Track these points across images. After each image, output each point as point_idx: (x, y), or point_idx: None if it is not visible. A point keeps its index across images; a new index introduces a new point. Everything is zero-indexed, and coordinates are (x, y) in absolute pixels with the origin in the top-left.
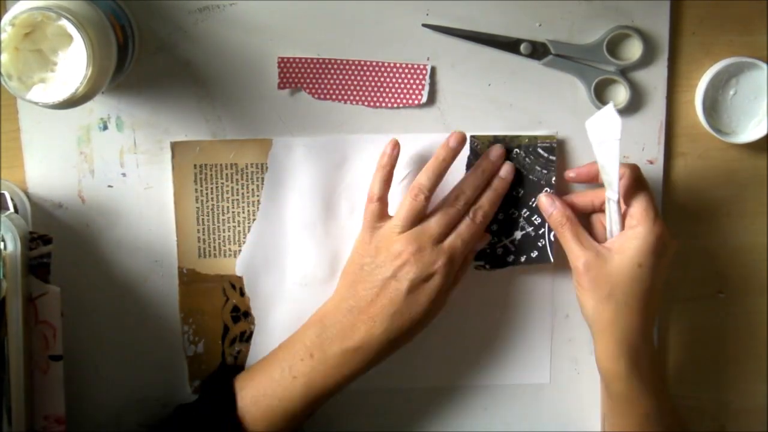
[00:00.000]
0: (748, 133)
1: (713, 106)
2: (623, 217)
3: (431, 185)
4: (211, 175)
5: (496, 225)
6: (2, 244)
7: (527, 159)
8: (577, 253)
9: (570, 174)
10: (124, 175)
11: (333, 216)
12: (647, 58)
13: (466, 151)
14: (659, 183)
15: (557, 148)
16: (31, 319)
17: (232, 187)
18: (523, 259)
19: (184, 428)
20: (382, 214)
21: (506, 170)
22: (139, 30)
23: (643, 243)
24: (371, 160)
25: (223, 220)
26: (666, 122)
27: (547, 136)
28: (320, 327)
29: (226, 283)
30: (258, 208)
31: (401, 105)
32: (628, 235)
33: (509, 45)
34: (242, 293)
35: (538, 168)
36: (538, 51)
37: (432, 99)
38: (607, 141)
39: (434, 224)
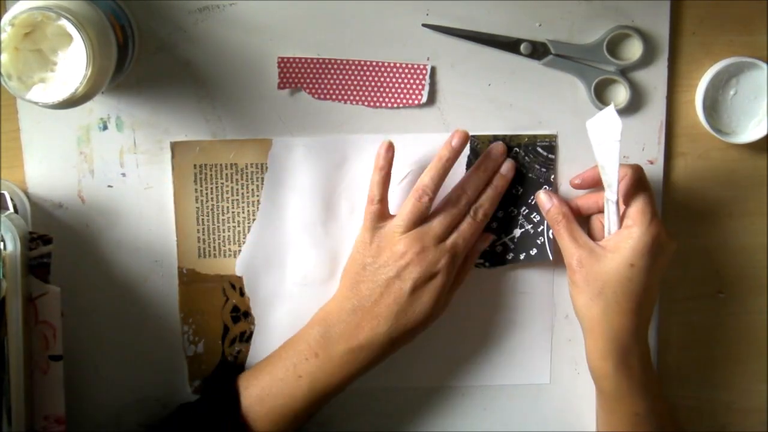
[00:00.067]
0: (748, 133)
1: (713, 106)
2: (621, 217)
3: (435, 186)
4: (211, 175)
5: (495, 223)
6: (2, 244)
7: (527, 157)
8: (571, 250)
9: (576, 181)
10: (124, 175)
11: (333, 216)
12: (647, 58)
13: (466, 151)
14: (659, 183)
15: (557, 148)
16: (31, 319)
17: (232, 187)
18: (522, 256)
19: (187, 427)
20: (383, 215)
21: (507, 168)
22: (139, 30)
23: (638, 243)
24: (371, 160)
25: (223, 220)
26: (666, 122)
27: (547, 135)
28: (324, 326)
29: (226, 283)
30: (258, 208)
31: (401, 105)
32: (623, 235)
33: (509, 45)
34: (242, 293)
35: (538, 166)
36: (538, 51)
37: (432, 99)
38: (607, 142)
39: (437, 225)
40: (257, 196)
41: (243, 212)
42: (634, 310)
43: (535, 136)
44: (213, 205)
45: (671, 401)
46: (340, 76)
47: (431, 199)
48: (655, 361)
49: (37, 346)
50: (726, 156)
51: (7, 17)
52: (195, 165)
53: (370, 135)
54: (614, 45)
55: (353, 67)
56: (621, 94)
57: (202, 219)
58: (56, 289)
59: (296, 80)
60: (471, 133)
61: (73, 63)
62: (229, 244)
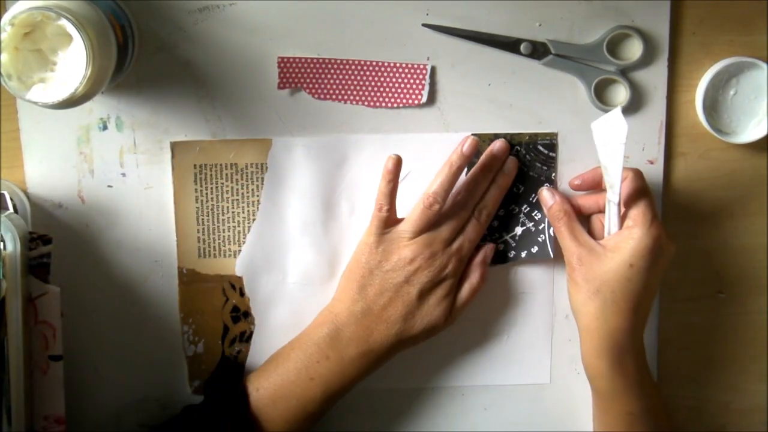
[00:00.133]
0: (749, 133)
1: (713, 106)
2: (622, 218)
3: (445, 194)
4: (211, 175)
5: (497, 221)
6: (2, 244)
7: (528, 156)
8: (571, 248)
9: (575, 182)
10: (123, 175)
11: (333, 216)
12: (647, 58)
13: None
14: (659, 183)
15: (557, 147)
16: (30, 319)
17: (232, 187)
18: (523, 254)
19: (193, 429)
20: (390, 221)
21: (510, 166)
22: (139, 30)
23: (638, 244)
24: (371, 160)
25: (223, 220)
26: (666, 122)
27: (548, 133)
28: (333, 328)
29: (226, 283)
30: (258, 208)
31: (401, 105)
32: (624, 235)
33: (509, 45)
34: (242, 293)
35: (539, 165)
36: (538, 51)
37: (432, 99)
38: (612, 144)
39: (445, 230)
40: (257, 196)
41: (243, 212)
42: (632, 310)
43: (536, 135)
44: (213, 205)
45: (671, 401)
46: (340, 76)
47: (441, 207)
48: (655, 361)
49: (36, 346)
50: (726, 156)
51: (7, 17)
52: (195, 165)
53: (370, 135)
54: (614, 45)
55: (353, 67)
56: (621, 94)
57: (202, 219)
58: (56, 289)
59: (296, 80)
60: (471, 133)
61: (73, 63)
62: (229, 244)
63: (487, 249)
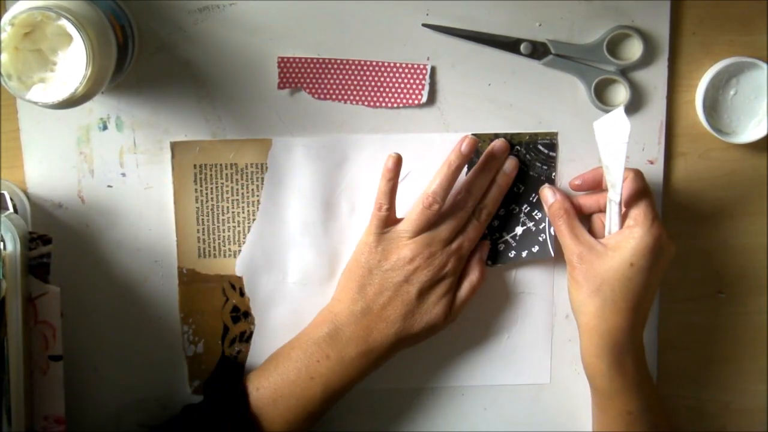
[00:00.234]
0: (749, 133)
1: (713, 106)
2: (623, 218)
3: (444, 193)
4: (211, 175)
5: (497, 221)
6: (2, 244)
7: (528, 155)
8: (571, 246)
9: (576, 182)
10: (123, 175)
11: (333, 216)
12: (647, 58)
13: None
14: (659, 183)
15: (557, 147)
16: (30, 319)
17: (232, 187)
18: (524, 254)
19: (193, 429)
20: (390, 221)
21: (510, 166)
22: (139, 30)
23: (639, 243)
24: (371, 160)
25: (223, 220)
26: (666, 122)
27: (548, 133)
28: (333, 328)
29: (226, 283)
30: (258, 208)
31: (401, 105)
32: (624, 234)
33: (509, 45)
34: (242, 293)
35: (539, 164)
36: (538, 51)
37: (432, 99)
38: (614, 143)
39: (444, 230)
40: (257, 196)
41: (243, 212)
42: (631, 309)
43: (536, 134)
44: (213, 205)
45: (671, 401)
46: (340, 76)
47: (441, 207)
48: (655, 361)
49: (36, 346)
50: (726, 156)
51: (7, 17)
52: (195, 165)
53: (370, 135)
54: (614, 45)
55: (353, 67)
56: (621, 94)
57: (202, 219)
58: (56, 289)
59: (296, 80)
60: (471, 133)
61: (73, 63)
62: (229, 244)
63: (482, 246)
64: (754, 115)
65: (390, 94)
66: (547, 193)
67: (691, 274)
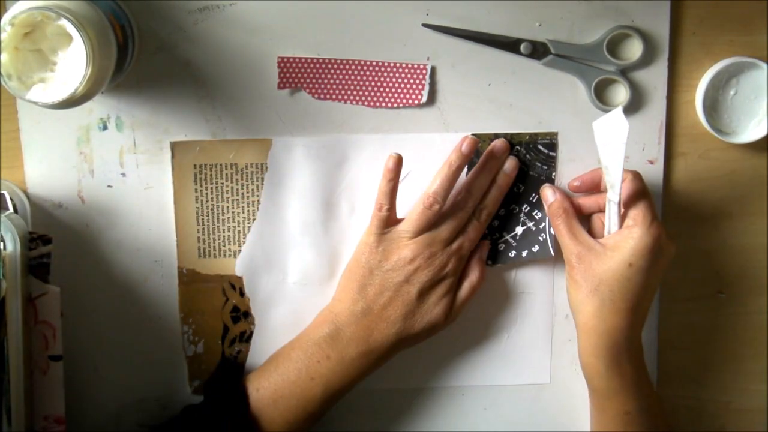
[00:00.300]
0: (749, 133)
1: (713, 106)
2: (622, 218)
3: (445, 193)
4: (211, 175)
5: (497, 221)
6: (2, 244)
7: (528, 155)
8: (570, 246)
9: (574, 183)
10: (123, 175)
11: (333, 216)
12: (647, 58)
13: None
14: (659, 183)
15: (557, 147)
16: (30, 319)
17: (232, 187)
18: (524, 253)
19: (195, 429)
20: (390, 221)
21: (510, 166)
22: (139, 30)
23: (638, 243)
24: (371, 160)
25: (223, 220)
26: (666, 122)
27: (548, 133)
28: (333, 328)
29: (226, 283)
30: (258, 208)
31: (401, 105)
32: (623, 234)
33: (509, 45)
34: (242, 293)
35: (539, 164)
36: (538, 51)
37: (432, 99)
38: (613, 143)
39: (445, 230)
40: (257, 196)
41: (243, 212)
42: (630, 309)
43: (536, 134)
44: (213, 205)
45: (671, 401)
46: (340, 76)
47: (441, 207)
48: (655, 361)
49: (36, 346)
50: (726, 156)
51: (7, 17)
52: (195, 165)
53: (370, 135)
54: (614, 45)
55: (353, 67)
56: (621, 94)
57: (202, 219)
58: (56, 289)
59: (296, 80)
60: (471, 133)
61: (73, 63)
62: (229, 244)
63: (482, 246)
64: (754, 115)
65: (390, 94)
66: (547, 193)
67: (691, 274)
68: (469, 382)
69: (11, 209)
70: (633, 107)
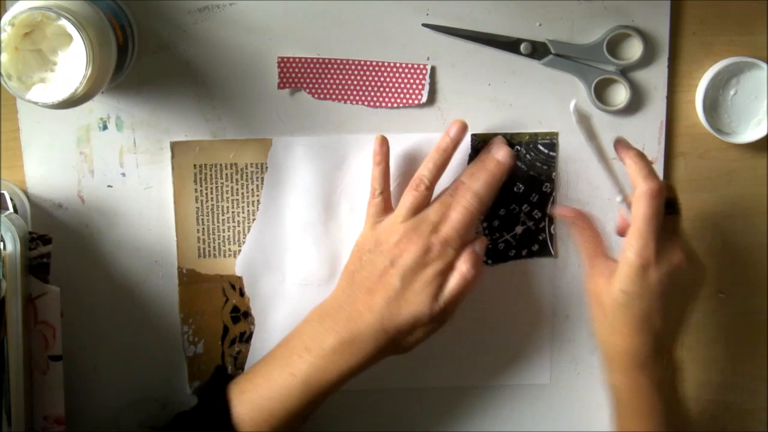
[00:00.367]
0: (749, 133)
1: (713, 106)
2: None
3: (432, 176)
4: (211, 175)
5: (497, 221)
6: (2, 244)
7: (528, 155)
8: (588, 272)
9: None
10: (123, 175)
11: (333, 216)
12: (647, 58)
13: (467, 150)
14: None
15: (557, 147)
16: (30, 319)
17: (232, 187)
18: (524, 253)
19: None
20: (385, 208)
21: (503, 154)
22: (139, 30)
23: (628, 269)
24: (371, 159)
25: (223, 220)
26: (666, 122)
27: (548, 133)
28: (317, 321)
29: (226, 284)
30: (258, 208)
31: (401, 105)
32: (620, 260)
33: (509, 45)
34: (242, 293)
35: (539, 164)
36: (538, 51)
37: (432, 99)
38: (587, 140)
39: (432, 212)
40: (257, 196)
41: (243, 212)
42: (634, 334)
43: (536, 134)
44: (213, 205)
45: None
46: (340, 76)
47: (428, 188)
48: None
49: (36, 346)
50: (726, 156)
51: (7, 17)
52: (195, 165)
53: (369, 135)
54: (614, 45)
55: (353, 67)
56: (621, 94)
57: (202, 219)
58: (56, 289)
59: (296, 80)
60: (471, 133)
61: (73, 63)
62: (229, 244)
63: (479, 240)
64: (754, 115)
65: (390, 94)
66: (564, 213)
67: None
68: (469, 382)
69: (11, 209)
70: (633, 107)
